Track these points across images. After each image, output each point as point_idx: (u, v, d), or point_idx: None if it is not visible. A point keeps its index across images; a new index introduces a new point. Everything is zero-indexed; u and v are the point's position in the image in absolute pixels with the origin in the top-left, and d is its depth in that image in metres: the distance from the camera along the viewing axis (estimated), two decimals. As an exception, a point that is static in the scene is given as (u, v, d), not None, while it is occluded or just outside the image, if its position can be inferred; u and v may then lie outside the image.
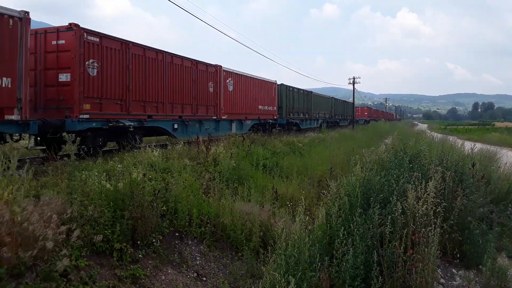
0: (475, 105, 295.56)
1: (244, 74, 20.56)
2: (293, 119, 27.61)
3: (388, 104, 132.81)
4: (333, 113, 41.41)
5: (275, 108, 24.69)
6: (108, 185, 5.35)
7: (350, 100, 53.71)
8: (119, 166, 6.91)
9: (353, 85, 48.28)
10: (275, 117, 24.51)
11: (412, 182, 5.14)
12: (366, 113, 69.80)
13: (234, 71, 19.39)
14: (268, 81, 24.09)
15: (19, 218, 3.42)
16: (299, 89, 29.55)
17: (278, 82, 27.04)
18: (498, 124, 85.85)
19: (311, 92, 32.85)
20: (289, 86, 27.35)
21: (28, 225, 3.43)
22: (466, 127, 72.05)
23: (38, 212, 3.62)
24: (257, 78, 22.34)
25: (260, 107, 22.45)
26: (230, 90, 18.73)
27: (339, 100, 47.90)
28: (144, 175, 5.89)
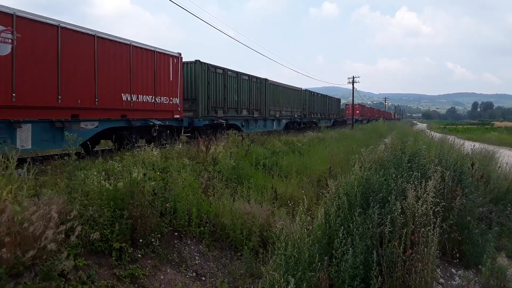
0: (475, 105, 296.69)
1: (60, 24, 9.60)
2: (225, 119, 17.75)
3: (388, 104, 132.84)
4: (307, 111, 32.26)
5: (177, 100, 14.39)
6: (107, 185, 5.35)
7: (349, 99, 53.35)
8: (118, 165, 6.90)
9: (353, 84, 48.30)
10: (177, 116, 14.59)
11: (411, 182, 5.14)
12: (357, 112, 61.71)
13: (18, 13, 8.56)
14: (155, 51, 13.24)
15: (19, 218, 3.41)
16: (239, 74, 19.25)
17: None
18: (497, 124, 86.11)
19: (266, 79, 22.90)
20: (214, 66, 17.04)
21: (28, 224, 3.42)
22: (465, 126, 72.20)
23: (38, 211, 3.61)
24: (113, 40, 11.39)
25: (126, 97, 11.81)
26: (3, 53, 8.26)
27: (318, 94, 36.64)
28: (144, 174, 5.89)
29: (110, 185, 5.36)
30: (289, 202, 7.35)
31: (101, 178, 5.36)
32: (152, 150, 8.75)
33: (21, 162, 5.28)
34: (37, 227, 3.44)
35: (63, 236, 3.74)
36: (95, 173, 5.63)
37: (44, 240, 3.44)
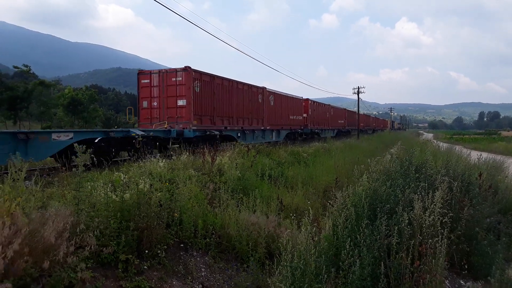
0: (481, 114, 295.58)
1: None
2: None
3: (394, 114, 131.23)
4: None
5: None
6: (114, 196, 5.37)
7: (355, 109, 52.82)
8: (124, 177, 6.93)
9: (358, 95, 48.26)
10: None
11: (418, 193, 5.11)
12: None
13: None
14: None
15: (27, 230, 3.43)
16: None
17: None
18: (504, 133, 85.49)
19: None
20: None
21: (37, 236, 3.44)
22: (472, 136, 71.64)
23: (47, 223, 3.63)
24: None
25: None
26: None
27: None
28: (151, 185, 5.91)
29: (116, 196, 5.38)
30: (295, 212, 7.31)
31: (108, 189, 5.38)
32: (158, 161, 8.79)
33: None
34: (45, 239, 3.46)
35: (72, 248, 3.75)
36: (101, 184, 5.66)
37: (52, 252, 3.45)
